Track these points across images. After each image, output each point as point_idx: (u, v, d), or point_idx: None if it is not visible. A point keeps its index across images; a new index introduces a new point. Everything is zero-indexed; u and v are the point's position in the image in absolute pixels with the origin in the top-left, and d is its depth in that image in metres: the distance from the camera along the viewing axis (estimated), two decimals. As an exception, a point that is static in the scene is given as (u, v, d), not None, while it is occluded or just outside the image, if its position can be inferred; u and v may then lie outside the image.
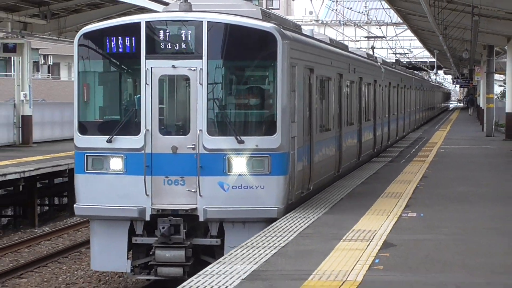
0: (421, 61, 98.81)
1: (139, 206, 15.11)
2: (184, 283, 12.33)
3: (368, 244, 15.25)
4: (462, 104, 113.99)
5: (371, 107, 37.55)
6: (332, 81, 23.51)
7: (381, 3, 63.32)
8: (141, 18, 15.09)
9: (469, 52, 58.51)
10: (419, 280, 12.38)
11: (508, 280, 12.33)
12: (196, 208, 14.82)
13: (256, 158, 15.08)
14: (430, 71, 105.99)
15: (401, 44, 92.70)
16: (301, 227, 17.31)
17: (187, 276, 14.13)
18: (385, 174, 29.94)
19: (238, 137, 14.75)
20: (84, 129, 15.77)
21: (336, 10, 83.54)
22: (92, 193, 15.77)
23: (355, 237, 16.15)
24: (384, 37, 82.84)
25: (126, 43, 15.16)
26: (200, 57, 14.85)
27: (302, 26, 28.70)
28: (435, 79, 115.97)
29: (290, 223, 17.65)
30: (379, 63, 43.51)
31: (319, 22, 73.00)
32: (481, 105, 67.63)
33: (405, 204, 20.88)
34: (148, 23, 15.09)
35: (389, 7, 56.17)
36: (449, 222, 18.46)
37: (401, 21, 67.89)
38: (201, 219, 14.94)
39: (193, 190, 14.72)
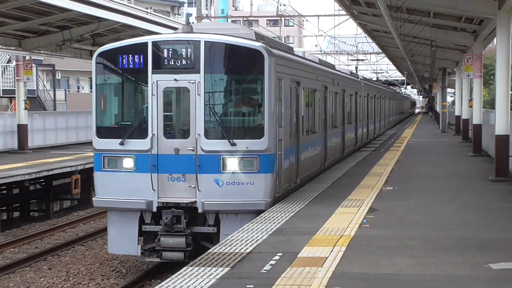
0: (395, 79, 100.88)
1: (147, 199, 14.61)
2: (234, 234, 12.66)
3: (358, 209, 15.89)
4: (424, 110, 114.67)
5: (353, 113, 34.71)
6: (317, 92, 22.61)
7: (366, 38, 63.21)
8: (148, 38, 14.71)
9: (429, 73, 60.20)
10: (395, 234, 13.20)
11: (457, 233, 13.38)
12: (195, 201, 14.31)
13: (247, 159, 14.37)
14: (401, 86, 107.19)
15: (381, 67, 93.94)
16: (310, 198, 17.78)
17: (188, 259, 13.94)
18: (370, 159, 30.09)
19: (230, 140, 14.23)
20: (100, 133, 15.31)
21: (334, 43, 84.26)
22: (108, 188, 15.21)
23: (349, 204, 16.79)
24: (365, 59, 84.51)
25: (136, 60, 14.55)
26: (198, 72, 14.29)
27: (307, 52, 30.10)
28: (405, 91, 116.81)
29: (305, 194, 18.31)
30: (360, 79, 40.58)
31: (322, 52, 73.11)
32: (437, 110, 68.33)
33: (384, 181, 21.39)
34: (154, 43, 14.62)
35: (372, 41, 56.69)
36: (416, 193, 18.94)
37: (380, 51, 67.96)
38: (199, 210, 14.43)
39: (192, 186, 14.22)
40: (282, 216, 14.89)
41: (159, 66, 14.57)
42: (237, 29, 16.80)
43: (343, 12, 42.44)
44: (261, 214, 15.73)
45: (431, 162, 28.46)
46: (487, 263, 10.54)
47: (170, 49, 14.57)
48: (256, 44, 14.46)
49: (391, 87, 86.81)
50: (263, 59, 13.99)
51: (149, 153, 14.43)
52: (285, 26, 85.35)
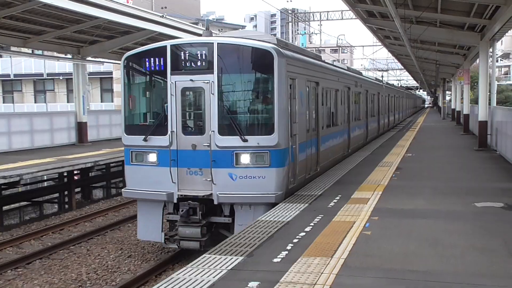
0: (412, 85, 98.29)
1: (168, 191, 11.51)
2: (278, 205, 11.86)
3: (389, 168, 15.98)
4: (431, 105, 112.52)
5: (376, 108, 28.98)
6: (340, 92, 18.10)
7: (393, 59, 61.89)
8: (167, 42, 11.85)
9: (434, 81, 59.35)
10: (413, 184, 13.31)
11: (453, 184, 13.39)
12: (211, 194, 11.20)
13: (258, 154, 11.23)
14: (416, 89, 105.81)
15: (402, 77, 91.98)
16: (358, 161, 17.89)
17: (203, 248, 11.08)
18: (396, 137, 29.93)
19: (242, 136, 11.11)
20: (128, 130, 12.28)
21: (373, 63, 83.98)
22: (135, 180, 12.08)
23: (383, 164, 16.89)
24: (388, 70, 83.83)
25: (157, 63, 11.68)
26: (212, 72, 11.25)
27: (346, 65, 25.22)
28: (418, 93, 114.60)
29: (353, 159, 18.50)
30: (383, 83, 35.76)
31: (365, 68, 72.91)
32: (440, 105, 68.27)
33: (406, 150, 21.37)
34: (172, 46, 11.64)
35: (397, 61, 55.96)
36: (426, 158, 18.74)
37: (402, 67, 66.94)
38: (215, 202, 11.27)
39: (208, 179, 11.16)
40: (339, 173, 15.09)
41: (177, 67, 11.59)
42: (262, 36, 13.20)
43: (379, 43, 42.03)
44: (327, 171, 15.47)
45: (436, 138, 28.15)
46: (473, 202, 10.75)
47: (187, 52, 11.61)
48: (267, 45, 11.51)
49: (409, 90, 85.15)
50: (273, 59, 11.08)
51: (169, 148, 11.51)
52: (342, 53, 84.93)
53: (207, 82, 11.23)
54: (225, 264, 6.97)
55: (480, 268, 6.75)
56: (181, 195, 11.40)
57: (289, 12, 70.81)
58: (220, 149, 11.12)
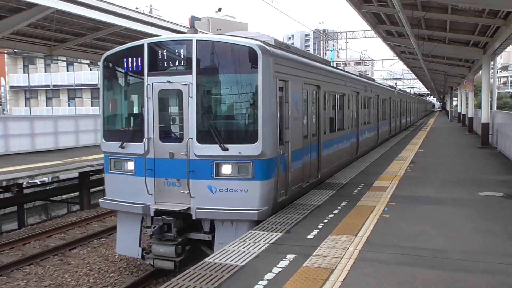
0: (424, 92, 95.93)
1: (145, 204, 8.50)
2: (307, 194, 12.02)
3: (404, 162, 15.56)
4: (440, 109, 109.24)
5: (387, 111, 24.75)
6: (346, 96, 14.42)
7: (408, 71, 60.14)
8: (145, 40, 8.85)
9: (443, 89, 57.66)
10: (425, 175, 12.88)
11: (459, 176, 12.90)
12: (189, 208, 8.24)
13: (240, 164, 8.17)
14: (427, 96, 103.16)
15: (415, 85, 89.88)
16: (375, 158, 17.44)
17: (178, 269, 8.44)
18: (410, 135, 29.35)
19: (222, 145, 8.08)
20: (106, 136, 9.31)
21: (391, 73, 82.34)
22: (114, 189, 9.09)
23: (399, 159, 16.44)
24: (403, 79, 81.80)
25: (135, 63, 8.73)
26: (191, 73, 8.28)
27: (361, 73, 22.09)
28: (429, 98, 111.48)
29: (374, 154, 18.12)
30: (395, 89, 31.82)
31: (384, 79, 71.47)
32: (448, 109, 66.51)
33: (418, 147, 20.83)
34: (150, 44, 8.67)
35: (412, 73, 54.38)
36: (436, 154, 18.11)
37: (416, 77, 65.20)
38: (193, 217, 8.26)
39: (187, 192, 8.22)
40: (364, 164, 14.79)
41: (154, 68, 8.64)
42: (260, 37, 9.36)
43: (396, 57, 40.94)
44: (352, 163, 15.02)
45: (444, 137, 27.29)
46: (477, 192, 10.37)
47: (165, 51, 8.66)
48: (251, 42, 8.36)
49: (421, 96, 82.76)
50: (257, 57, 8.05)
51: (145, 156, 8.60)
52: (364, 65, 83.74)
53: (186, 84, 8.39)
54: (267, 239, 6.93)
55: (482, 248, 6.49)
56: (157, 209, 8.48)
57: (321, 32, 70.24)
58: (199, 159, 8.27)
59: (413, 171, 13.48)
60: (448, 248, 6.47)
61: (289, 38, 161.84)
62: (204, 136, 8.30)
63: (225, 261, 5.97)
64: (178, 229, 8.39)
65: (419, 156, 17.36)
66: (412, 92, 73.13)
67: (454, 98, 63.29)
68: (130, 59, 8.90)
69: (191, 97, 8.33)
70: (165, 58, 8.63)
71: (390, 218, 8.12)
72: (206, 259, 6.03)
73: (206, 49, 8.46)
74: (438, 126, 39.71)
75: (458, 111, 48.34)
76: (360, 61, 69.53)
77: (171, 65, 8.58)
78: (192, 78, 8.34)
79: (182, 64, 8.48)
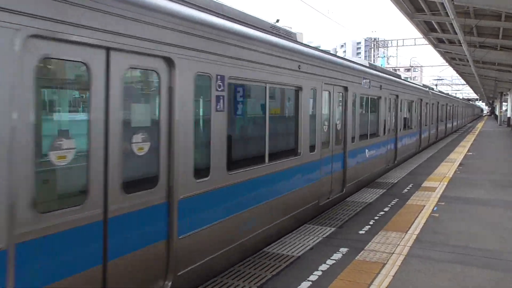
0: (472, 97, 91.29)
1: None
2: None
3: (453, 164, 14.89)
4: (488, 114, 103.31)
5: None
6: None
7: (457, 76, 57.45)
8: None
9: (493, 94, 54.39)
10: (474, 177, 12.31)
11: (509, 178, 12.08)
12: None
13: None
14: (476, 101, 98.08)
15: (465, 90, 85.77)
16: (424, 158, 16.86)
17: None
18: (458, 138, 28.04)
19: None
20: None
21: (440, 79, 78.91)
22: None
23: (448, 161, 15.76)
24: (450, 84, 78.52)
25: None
26: None
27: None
28: (477, 103, 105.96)
29: (423, 155, 17.41)
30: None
31: (434, 84, 68.80)
32: (497, 114, 62.88)
33: (467, 150, 19.89)
34: None
35: (462, 78, 51.67)
36: (485, 156, 17.19)
37: (465, 83, 62.21)
38: None
39: None
40: (412, 166, 14.30)
41: None
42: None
43: (446, 63, 39.23)
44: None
45: (493, 140, 25.86)
46: (528, 194, 9.83)
47: None
48: None
49: (469, 101, 78.82)
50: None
51: None
52: (413, 71, 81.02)
53: None
54: (321, 232, 6.83)
55: (536, 250, 6.07)
56: None
57: (372, 40, 68.65)
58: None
59: (462, 173, 12.85)
60: (500, 248, 6.09)
61: (342, 46, 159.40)
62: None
63: (282, 251, 5.94)
64: None
65: (468, 158, 16.52)
66: (461, 97, 69.79)
67: (503, 103, 59.88)
68: None
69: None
70: None
71: (440, 217, 7.77)
72: (265, 249, 6.03)
73: None
74: (487, 130, 37.65)
75: (508, 115, 45.70)
76: (410, 67, 67.23)
77: None
78: None
79: None
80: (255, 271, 5.21)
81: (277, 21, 9.91)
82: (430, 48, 26.14)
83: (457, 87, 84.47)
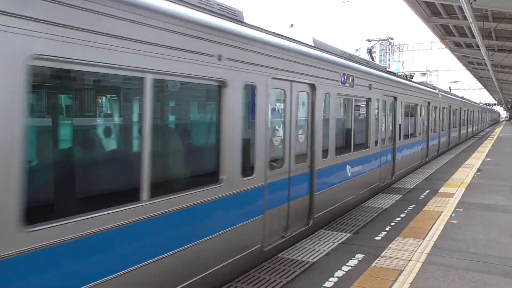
0: (490, 102, 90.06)
1: None
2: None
3: (471, 169, 14.59)
4: (507, 119, 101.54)
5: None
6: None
7: (475, 81, 56.47)
8: None
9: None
10: (492, 183, 12.05)
11: None
12: None
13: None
14: (493, 105, 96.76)
15: (482, 95, 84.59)
16: (441, 164, 16.62)
17: None
18: (476, 144, 27.56)
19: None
20: None
21: (456, 83, 77.61)
22: None
23: (466, 166, 15.45)
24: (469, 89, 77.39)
25: None
26: None
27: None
28: (494, 107, 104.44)
29: (440, 160, 17.20)
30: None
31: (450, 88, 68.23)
32: None
33: (485, 155, 19.54)
34: None
35: (480, 83, 50.73)
36: (503, 161, 16.79)
37: (483, 87, 61.30)
38: None
39: None
40: (429, 171, 14.09)
41: None
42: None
43: (463, 67, 38.59)
44: (419, 169, 14.26)
45: (511, 145, 25.56)
46: (549, 201, 9.59)
47: None
48: None
49: (488, 105, 77.46)
50: None
51: None
52: (429, 76, 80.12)
53: None
54: (337, 238, 6.77)
55: (558, 259, 5.91)
56: None
57: (387, 43, 68.24)
58: None
59: (481, 179, 12.61)
60: (520, 257, 5.95)
61: (356, 50, 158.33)
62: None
63: (297, 257, 5.90)
64: None
65: (486, 164, 16.21)
66: (478, 102, 68.71)
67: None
68: None
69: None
70: None
71: (458, 224, 7.63)
72: (279, 254, 5.99)
73: None
74: (505, 136, 36.96)
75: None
76: (425, 72, 66.61)
77: None
78: None
79: None
80: (270, 277, 5.17)
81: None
82: (446, 52, 25.90)
83: (474, 92, 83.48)
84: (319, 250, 6.18)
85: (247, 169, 5.12)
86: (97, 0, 3.22)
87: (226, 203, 4.74)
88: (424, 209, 8.74)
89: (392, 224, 7.60)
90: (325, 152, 7.23)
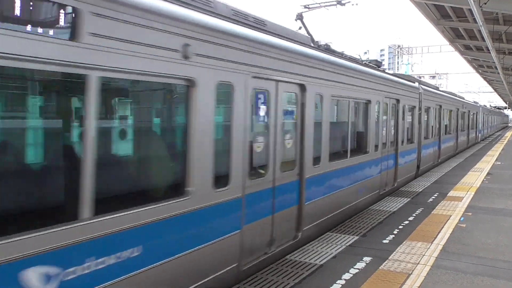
0: (500, 105, 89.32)
1: None
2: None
3: (480, 173, 14.46)
4: None
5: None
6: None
7: (486, 84, 55.80)
8: None
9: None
10: (502, 187, 11.95)
11: None
12: None
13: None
14: (504, 109, 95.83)
15: (492, 99, 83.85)
16: (451, 167, 16.48)
17: None
18: (486, 147, 27.31)
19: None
20: None
21: (466, 86, 77.11)
22: None
23: (475, 170, 15.32)
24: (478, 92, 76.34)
25: None
26: None
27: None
28: (506, 111, 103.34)
29: (449, 164, 17.04)
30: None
31: (459, 92, 67.51)
32: None
33: (495, 159, 19.36)
34: None
35: (490, 86, 49.93)
36: None
37: (493, 91, 60.73)
38: None
39: None
40: (438, 174, 13.98)
41: None
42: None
43: (472, 70, 38.17)
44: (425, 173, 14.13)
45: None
46: (560, 206, 9.48)
47: None
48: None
49: (498, 109, 76.51)
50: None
51: None
52: (438, 79, 79.59)
53: None
54: (344, 241, 6.75)
55: None
56: None
57: (396, 46, 68.02)
58: None
59: (490, 183, 12.50)
60: (530, 261, 5.90)
61: (365, 53, 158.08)
62: None
63: (304, 259, 5.89)
64: None
65: (496, 168, 16.06)
66: (489, 105, 68.10)
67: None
68: None
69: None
70: None
71: (467, 228, 7.58)
72: (287, 256, 5.99)
73: None
74: (515, 139, 36.66)
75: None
76: (435, 75, 66.35)
77: None
78: None
79: None
80: (277, 279, 5.17)
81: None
82: (456, 55, 25.72)
83: (485, 95, 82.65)
84: (327, 252, 6.17)
85: (221, 179, 4.51)
86: None
87: (193, 218, 4.12)
88: (432, 212, 8.68)
89: (400, 227, 7.56)
90: (317, 159, 6.56)
